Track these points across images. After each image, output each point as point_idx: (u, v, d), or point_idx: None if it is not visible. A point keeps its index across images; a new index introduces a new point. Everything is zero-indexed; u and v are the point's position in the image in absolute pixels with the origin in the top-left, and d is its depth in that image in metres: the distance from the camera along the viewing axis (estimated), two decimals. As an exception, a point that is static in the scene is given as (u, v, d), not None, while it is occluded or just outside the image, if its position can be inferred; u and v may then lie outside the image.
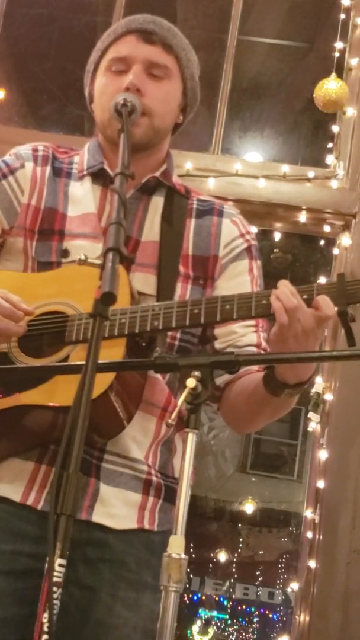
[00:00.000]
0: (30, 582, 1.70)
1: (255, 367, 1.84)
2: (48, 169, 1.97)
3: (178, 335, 1.87)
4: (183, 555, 1.34)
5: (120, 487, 1.80)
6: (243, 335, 1.89)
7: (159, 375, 1.84)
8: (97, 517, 1.76)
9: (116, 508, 1.78)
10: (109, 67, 1.93)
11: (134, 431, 1.80)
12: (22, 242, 1.91)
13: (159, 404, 1.85)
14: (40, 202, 1.93)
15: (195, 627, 12.17)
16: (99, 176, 1.96)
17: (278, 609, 12.59)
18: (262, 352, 1.89)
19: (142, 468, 1.83)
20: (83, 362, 1.25)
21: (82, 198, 1.94)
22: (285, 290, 1.62)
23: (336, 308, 1.61)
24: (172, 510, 1.87)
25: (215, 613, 12.60)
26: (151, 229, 1.92)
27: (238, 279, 1.95)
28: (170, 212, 1.95)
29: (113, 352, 1.67)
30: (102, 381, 1.64)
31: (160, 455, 1.87)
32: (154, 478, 1.84)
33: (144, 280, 1.85)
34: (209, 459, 11.37)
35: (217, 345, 1.90)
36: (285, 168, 4.54)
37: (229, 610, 12.75)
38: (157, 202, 1.96)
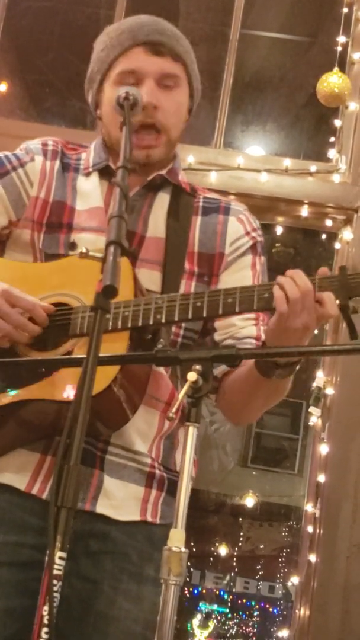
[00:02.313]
0: (33, 573, 1.70)
1: None
2: (57, 163, 1.98)
3: (181, 332, 1.88)
4: (183, 549, 1.34)
5: (124, 480, 1.80)
6: (242, 327, 1.89)
7: (163, 370, 1.85)
8: (101, 508, 1.77)
9: (120, 500, 1.79)
10: (118, 80, 1.92)
11: (139, 424, 1.81)
12: (29, 234, 1.92)
13: (163, 398, 1.86)
14: (49, 195, 1.94)
15: (196, 621, 12.18)
16: (105, 173, 1.97)
17: (278, 602, 12.61)
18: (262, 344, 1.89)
19: (145, 461, 1.83)
20: (83, 355, 1.25)
21: (90, 192, 1.95)
22: (289, 280, 1.62)
23: (337, 301, 1.61)
24: (175, 503, 1.88)
25: (215, 607, 12.61)
26: (156, 225, 1.93)
27: (240, 273, 1.95)
28: (176, 209, 1.96)
29: (117, 345, 1.68)
30: (106, 375, 1.64)
31: (163, 449, 1.88)
32: (157, 471, 1.85)
33: (149, 277, 1.86)
34: (210, 452, 11.38)
35: (217, 337, 1.91)
36: (288, 162, 4.54)
37: (229, 604, 12.75)
38: (163, 199, 1.97)
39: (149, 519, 1.82)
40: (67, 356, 1.73)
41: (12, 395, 1.73)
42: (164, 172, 1.98)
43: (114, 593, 1.75)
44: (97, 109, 2.02)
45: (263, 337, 1.88)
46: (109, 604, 1.75)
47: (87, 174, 1.98)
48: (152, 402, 1.83)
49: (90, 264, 1.66)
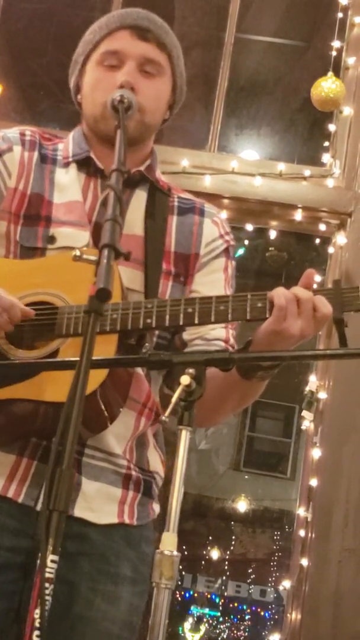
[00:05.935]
0: (9, 575, 1.71)
1: None
2: (35, 154, 1.96)
3: (155, 332, 1.86)
4: (175, 553, 1.34)
5: (102, 482, 1.80)
6: (212, 328, 1.88)
7: (141, 371, 1.84)
8: (79, 511, 1.76)
9: (98, 503, 1.79)
10: (100, 60, 1.93)
11: (116, 426, 1.80)
12: (5, 226, 1.89)
13: (140, 399, 1.85)
14: (27, 187, 1.92)
15: (187, 625, 12.17)
16: (84, 164, 1.95)
17: (270, 606, 12.60)
18: (230, 348, 1.88)
19: (121, 463, 1.83)
20: (75, 358, 1.25)
21: (68, 186, 1.93)
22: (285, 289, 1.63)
23: (333, 315, 1.62)
24: (150, 503, 1.89)
25: (207, 610, 12.59)
26: (134, 222, 1.92)
27: (213, 275, 1.96)
28: (152, 207, 1.95)
29: (106, 348, 1.66)
30: (95, 379, 1.63)
31: (136, 450, 1.87)
32: (133, 472, 1.85)
33: (131, 276, 1.84)
34: (203, 456, 11.37)
35: (186, 336, 1.89)
36: (282, 166, 4.55)
37: (220, 608, 12.74)
38: (140, 196, 1.96)
39: (127, 520, 1.82)
40: (56, 359, 1.71)
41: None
42: (142, 168, 1.97)
43: (92, 594, 1.75)
44: (78, 93, 2.00)
45: (231, 340, 1.90)
46: (87, 605, 1.74)
47: (66, 165, 1.95)
48: (131, 403, 1.83)
49: (78, 264, 1.64)
